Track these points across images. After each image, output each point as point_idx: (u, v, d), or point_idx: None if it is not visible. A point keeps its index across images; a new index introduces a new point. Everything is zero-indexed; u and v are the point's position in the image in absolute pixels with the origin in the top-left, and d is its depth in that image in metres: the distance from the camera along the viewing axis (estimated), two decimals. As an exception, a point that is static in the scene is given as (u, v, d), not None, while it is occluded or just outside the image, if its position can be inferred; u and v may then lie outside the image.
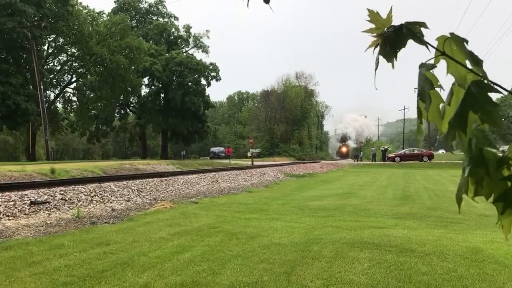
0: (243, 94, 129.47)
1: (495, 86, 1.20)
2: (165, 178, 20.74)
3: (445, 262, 6.46)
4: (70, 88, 62.42)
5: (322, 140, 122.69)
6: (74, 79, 61.63)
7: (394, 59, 1.30)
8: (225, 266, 6.31)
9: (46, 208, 12.24)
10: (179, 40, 75.56)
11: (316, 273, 5.94)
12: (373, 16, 1.33)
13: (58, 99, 61.54)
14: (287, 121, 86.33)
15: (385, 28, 1.31)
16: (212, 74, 71.53)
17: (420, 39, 1.25)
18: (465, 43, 1.24)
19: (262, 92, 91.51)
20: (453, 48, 1.26)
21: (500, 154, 1.24)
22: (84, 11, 56.97)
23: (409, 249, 7.25)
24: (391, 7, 1.31)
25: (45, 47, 56.66)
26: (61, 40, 56.80)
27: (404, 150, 62.91)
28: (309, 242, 7.88)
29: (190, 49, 75.99)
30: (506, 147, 1.23)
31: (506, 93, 1.21)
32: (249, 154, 44.00)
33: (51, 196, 13.18)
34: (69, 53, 59.29)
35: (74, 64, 60.59)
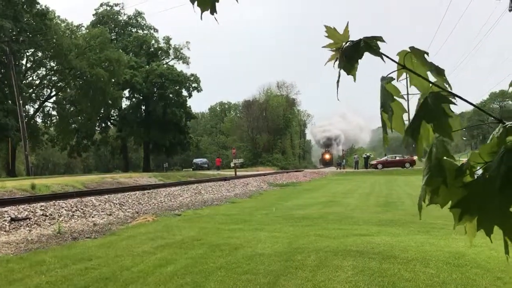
0: (225, 104, 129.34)
1: (452, 98, 1.23)
2: (148, 191, 20.61)
3: (427, 268, 6.50)
4: (50, 102, 61.87)
5: (305, 149, 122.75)
6: (53, 93, 61.09)
7: (354, 71, 1.34)
8: (208, 278, 6.28)
9: (27, 224, 12.08)
10: (159, 51, 75.32)
11: (300, 282, 5.94)
12: (330, 32, 1.38)
13: (38, 113, 60.92)
14: (270, 131, 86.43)
15: (343, 43, 1.35)
16: (194, 85, 71.44)
17: (376, 51, 1.30)
18: (425, 56, 1.28)
19: (244, 102, 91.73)
20: (414, 61, 1.31)
21: (458, 164, 1.27)
22: (63, 25, 56.63)
23: (392, 256, 7.28)
24: (347, 23, 1.37)
25: (24, 62, 56.15)
26: (39, 54, 56.35)
27: (386, 157, 63.22)
28: (293, 252, 7.88)
29: (171, 60, 75.83)
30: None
31: (464, 104, 1.24)
32: (232, 165, 43.85)
33: (32, 212, 13.01)
34: (48, 67, 58.83)
35: (53, 78, 60.10)
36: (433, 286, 5.70)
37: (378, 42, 1.31)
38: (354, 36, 1.33)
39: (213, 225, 11.70)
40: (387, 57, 1.31)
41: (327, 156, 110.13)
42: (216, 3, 1.43)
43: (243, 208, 16.70)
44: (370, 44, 1.30)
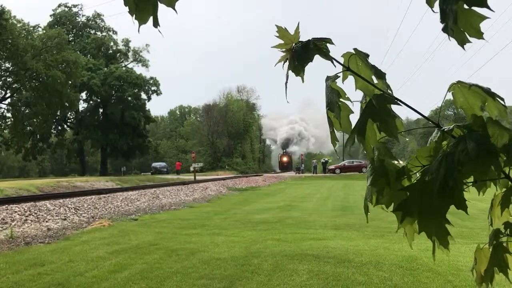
0: (185, 108, 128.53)
1: (395, 100, 1.27)
2: (104, 195, 20.27)
3: (381, 272, 6.63)
4: (4, 104, 60.04)
5: (265, 153, 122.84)
6: (8, 94, 59.41)
7: (302, 73, 1.35)
8: (164, 284, 6.24)
9: (-23, 229, 11.72)
10: (118, 54, 74.21)
11: (256, 287, 5.97)
12: (281, 32, 1.37)
13: (-9, 115, 59.15)
14: (230, 135, 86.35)
15: (293, 44, 1.35)
16: (153, 88, 70.75)
17: (326, 55, 1.31)
18: (367, 58, 1.31)
19: (204, 106, 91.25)
20: (359, 64, 1.33)
21: (400, 166, 1.31)
22: (19, 25, 55.16)
23: (346, 260, 7.40)
24: (298, 23, 1.36)
25: (-23, 62, 54.48)
26: (-6, 54, 54.76)
27: (343, 162, 64.09)
28: (250, 256, 7.91)
29: (130, 63, 74.77)
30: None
31: (403, 106, 1.28)
32: (191, 169, 43.63)
33: (-17, 216, 12.63)
34: (3, 68, 57.16)
35: (8, 79, 58.38)
36: (385, 289, 5.82)
37: (328, 45, 1.33)
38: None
39: (170, 230, 11.63)
40: (335, 60, 1.33)
41: (284, 159, 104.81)
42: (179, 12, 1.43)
43: (201, 212, 16.65)
44: (320, 46, 1.32)
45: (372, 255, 7.79)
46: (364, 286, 5.94)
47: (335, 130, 1.39)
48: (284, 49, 1.38)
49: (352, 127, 1.36)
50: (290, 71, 1.37)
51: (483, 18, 1.24)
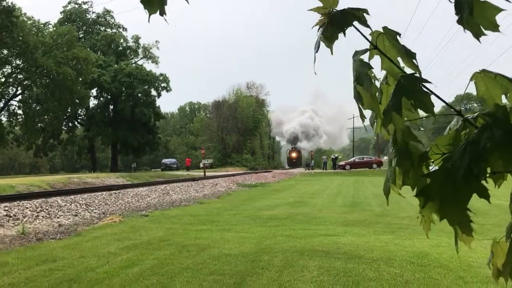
0: (194, 104, 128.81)
1: (423, 80, 1.24)
2: (115, 191, 20.36)
3: (392, 268, 6.61)
4: (15, 101, 60.44)
5: (274, 150, 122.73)
6: (19, 91, 59.78)
7: (342, 36, 1.31)
8: (174, 279, 6.26)
9: (-11, 225, 11.81)
10: (128, 51, 74.40)
11: (266, 282, 5.97)
12: None
13: (3, 112, 59.48)
14: (239, 131, 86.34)
15: (331, 9, 1.33)
16: (163, 84, 70.81)
17: (364, 23, 1.28)
18: (398, 37, 1.29)
19: (213, 103, 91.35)
20: (386, 44, 1.31)
21: (423, 150, 1.30)
22: (29, 22, 55.45)
23: (357, 256, 7.38)
24: None
25: (-12, 59, 54.78)
26: (5, 51, 55.00)
27: (354, 158, 64.01)
28: (260, 252, 7.91)
29: (140, 59, 74.94)
30: None
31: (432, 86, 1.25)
32: (201, 165, 43.70)
33: (-5, 212, 12.72)
34: (13, 65, 57.44)
35: (19, 76, 58.72)
36: (396, 286, 5.79)
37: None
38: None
39: (181, 226, 11.66)
40: (363, 35, 1.30)
41: (293, 155, 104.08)
42: (172, 6, 1.44)
43: (211, 208, 16.67)
44: (357, 15, 1.30)
45: (383, 251, 7.77)
46: (375, 282, 5.92)
47: (362, 109, 1.37)
48: (322, 13, 1.34)
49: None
50: (321, 41, 1.33)
51: (499, 10, 1.21)
